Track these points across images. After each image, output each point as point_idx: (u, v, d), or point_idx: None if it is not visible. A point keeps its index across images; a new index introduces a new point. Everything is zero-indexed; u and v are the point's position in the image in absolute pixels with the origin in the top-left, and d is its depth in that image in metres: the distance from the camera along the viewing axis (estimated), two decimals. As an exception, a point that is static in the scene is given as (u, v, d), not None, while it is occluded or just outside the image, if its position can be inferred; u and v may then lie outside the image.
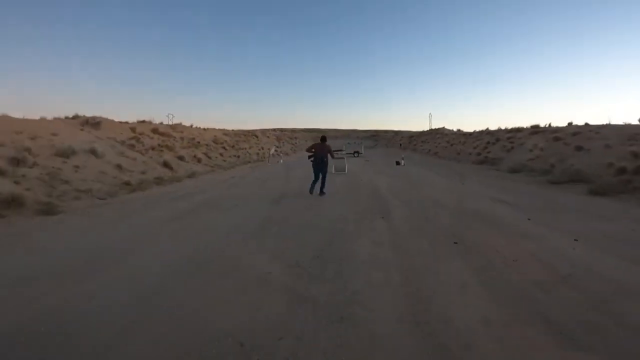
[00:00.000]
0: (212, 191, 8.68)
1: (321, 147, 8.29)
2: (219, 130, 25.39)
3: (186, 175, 11.23)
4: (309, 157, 8.27)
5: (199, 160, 14.27)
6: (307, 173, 13.39)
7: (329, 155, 8.59)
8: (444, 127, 35.83)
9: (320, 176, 8.34)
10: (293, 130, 67.43)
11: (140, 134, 13.86)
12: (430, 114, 50.46)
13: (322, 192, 8.36)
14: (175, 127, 18.52)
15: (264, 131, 40.51)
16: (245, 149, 22.98)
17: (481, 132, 22.48)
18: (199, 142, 17.50)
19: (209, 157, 15.78)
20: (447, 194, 8.09)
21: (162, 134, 15.15)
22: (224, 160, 16.83)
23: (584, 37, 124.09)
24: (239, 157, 19.16)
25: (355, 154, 26.68)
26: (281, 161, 20.58)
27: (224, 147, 19.67)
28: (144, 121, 16.38)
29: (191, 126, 20.93)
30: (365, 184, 10.05)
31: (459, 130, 30.38)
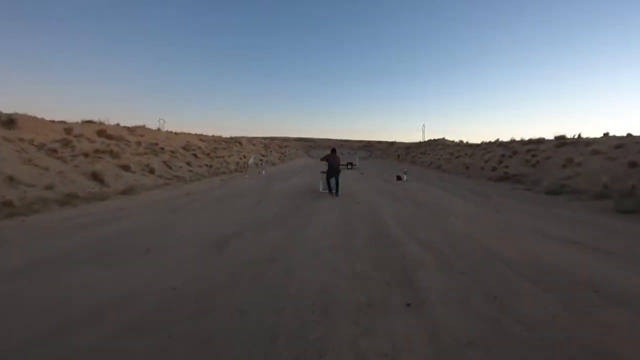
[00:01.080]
0: (136, 219, 5.81)
1: (333, 157, 9.35)
2: (195, 135, 22.53)
3: (119, 191, 8.31)
4: (324, 161, 9.52)
5: (152, 171, 11.36)
6: (290, 188, 10.91)
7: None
8: (444, 138, 33.57)
9: (335, 180, 9.26)
10: (285, 139, 64.89)
11: (77, 136, 10.94)
12: (423, 125, 48.43)
13: (337, 193, 9.16)
14: (135, 129, 15.61)
15: (251, 139, 37.65)
16: (224, 157, 20.11)
17: (490, 143, 20.09)
18: (162, 149, 14.61)
19: (170, 167, 12.88)
20: (491, 232, 5.39)
21: (109, 137, 12.24)
22: (190, 171, 13.94)
23: (579, 42, 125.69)
24: (211, 166, 16.27)
25: (349, 166, 24.05)
26: (263, 172, 17.75)
27: (195, 155, 16.79)
28: (90, 121, 13.47)
29: (158, 129, 18.03)
30: (364, 210, 7.30)
31: (461, 141, 28.07)
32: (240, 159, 22.48)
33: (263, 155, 24.94)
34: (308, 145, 70.82)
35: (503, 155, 16.15)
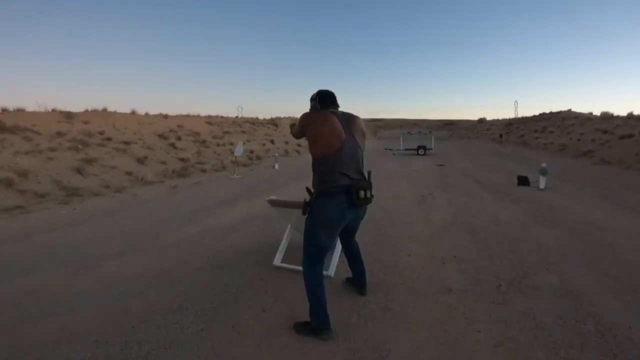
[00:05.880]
0: None
1: (333, 130, 2.12)
2: (203, 118, 17.28)
3: None
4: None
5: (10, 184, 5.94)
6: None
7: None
8: (570, 110, 22.85)
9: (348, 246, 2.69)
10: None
11: None
12: (516, 101, 36.47)
13: (362, 289, 2.56)
14: (75, 115, 10.64)
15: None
16: (232, 144, 14.40)
17: None
18: (108, 139, 9.36)
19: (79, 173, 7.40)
20: None
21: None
22: (129, 174, 8.35)
23: None
24: (185, 160, 10.54)
25: (420, 151, 16.41)
26: (276, 166, 11.50)
27: (172, 145, 11.31)
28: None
29: (133, 113, 13.03)
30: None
31: (605, 113, 17.59)
32: (263, 144, 16.65)
33: (269, 141, 18.32)
34: (376, 125, 62.87)
35: None
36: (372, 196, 2.06)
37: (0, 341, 2.02)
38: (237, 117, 20.53)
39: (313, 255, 2.04)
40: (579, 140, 14.78)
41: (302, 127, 2.09)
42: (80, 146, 8.79)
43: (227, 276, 2.92)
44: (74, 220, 4.99)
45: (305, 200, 2.05)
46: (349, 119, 2.08)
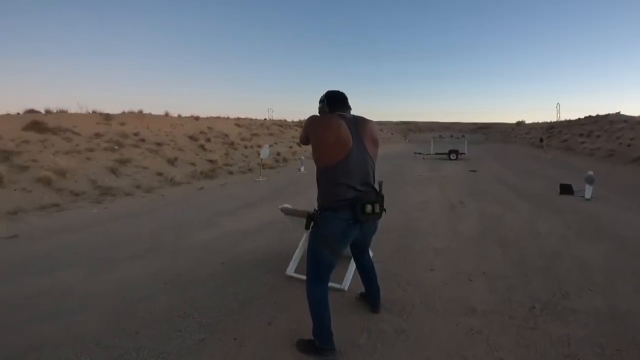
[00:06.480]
0: None
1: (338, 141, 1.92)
2: (233, 120, 17.66)
3: None
4: None
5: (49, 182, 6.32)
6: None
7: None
8: (619, 113, 21.05)
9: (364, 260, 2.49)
10: (379, 123, 56.89)
11: None
12: (558, 103, 34.03)
13: (375, 305, 2.37)
14: (113, 117, 11.23)
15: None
16: (260, 146, 14.59)
17: None
18: (142, 140, 9.80)
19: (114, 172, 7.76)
20: None
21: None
22: (160, 174, 8.64)
23: None
24: (214, 162, 10.76)
25: (452, 156, 15.74)
26: (302, 169, 11.47)
27: (202, 147, 11.62)
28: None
29: (166, 115, 13.56)
30: None
31: None
32: (290, 147, 16.75)
33: (296, 144, 18.20)
34: (407, 128, 61.46)
35: None
36: (382, 210, 1.86)
37: (5, 340, 2.06)
38: (265, 119, 20.83)
39: (316, 272, 1.89)
40: (629, 145, 13.48)
41: (306, 133, 1.92)
42: (115, 147, 9.24)
43: (237, 284, 2.85)
44: (103, 220, 5.19)
45: (308, 213, 1.90)
46: (359, 124, 1.88)
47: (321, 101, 2.01)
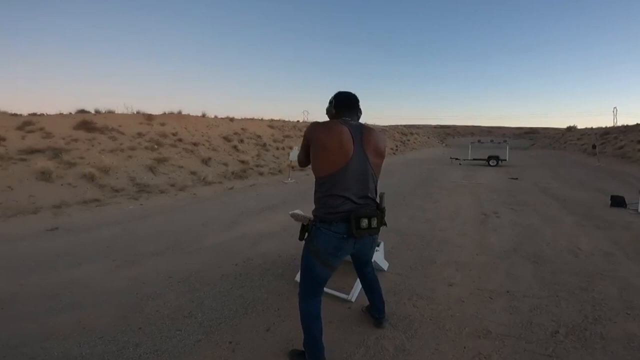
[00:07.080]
0: None
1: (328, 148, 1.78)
2: (266, 121, 18.03)
3: None
4: None
5: (92, 179, 6.83)
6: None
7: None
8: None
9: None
10: (417, 127, 55.10)
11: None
12: (615, 108, 30.89)
13: (379, 320, 2.27)
14: (155, 117, 11.90)
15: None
16: (291, 148, 14.81)
17: None
18: (179, 140, 10.32)
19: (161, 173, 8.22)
20: None
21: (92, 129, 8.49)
22: (194, 174, 9.02)
23: None
24: (246, 162, 11.03)
25: (492, 162, 14.90)
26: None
27: (235, 147, 11.98)
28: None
29: (215, 117, 14.15)
30: None
31: None
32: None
33: None
34: (445, 132, 59.23)
35: None
36: (381, 224, 1.74)
37: (24, 328, 2.21)
38: (298, 121, 21.08)
39: (308, 286, 1.80)
40: None
41: (306, 141, 1.77)
42: (155, 146, 9.80)
43: (245, 287, 2.86)
44: (137, 216, 5.50)
45: (302, 224, 1.83)
46: (363, 133, 1.74)
47: (330, 102, 1.92)
